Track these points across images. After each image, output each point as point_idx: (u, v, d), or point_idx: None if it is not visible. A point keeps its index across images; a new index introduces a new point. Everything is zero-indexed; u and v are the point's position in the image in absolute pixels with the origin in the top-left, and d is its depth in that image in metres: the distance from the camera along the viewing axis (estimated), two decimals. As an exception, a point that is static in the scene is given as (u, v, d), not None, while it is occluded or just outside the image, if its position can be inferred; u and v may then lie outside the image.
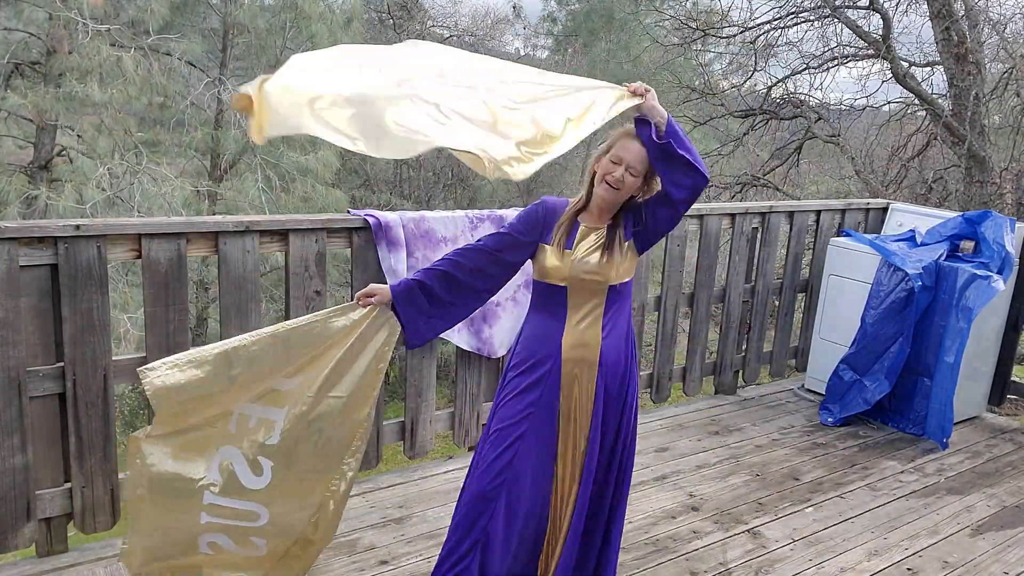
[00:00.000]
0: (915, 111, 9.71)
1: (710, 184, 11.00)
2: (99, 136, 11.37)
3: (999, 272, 4.17)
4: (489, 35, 18.73)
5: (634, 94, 2.24)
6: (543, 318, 2.39)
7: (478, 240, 2.43)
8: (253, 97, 1.75)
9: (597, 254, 2.33)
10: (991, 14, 8.67)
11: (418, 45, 2.23)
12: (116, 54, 10.73)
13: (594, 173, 2.35)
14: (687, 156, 2.22)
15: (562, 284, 2.35)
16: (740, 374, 4.92)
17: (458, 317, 2.45)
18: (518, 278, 3.59)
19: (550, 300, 2.38)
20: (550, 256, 2.34)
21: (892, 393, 4.41)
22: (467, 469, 2.54)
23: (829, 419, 4.45)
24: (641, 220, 2.36)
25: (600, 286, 2.34)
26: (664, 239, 4.29)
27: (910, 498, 3.64)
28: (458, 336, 3.53)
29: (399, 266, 3.29)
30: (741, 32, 10.12)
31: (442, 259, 2.40)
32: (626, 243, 2.36)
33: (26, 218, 10.26)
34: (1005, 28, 8.65)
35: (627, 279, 2.39)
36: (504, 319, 3.61)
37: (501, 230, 2.42)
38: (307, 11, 12.90)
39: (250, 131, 1.79)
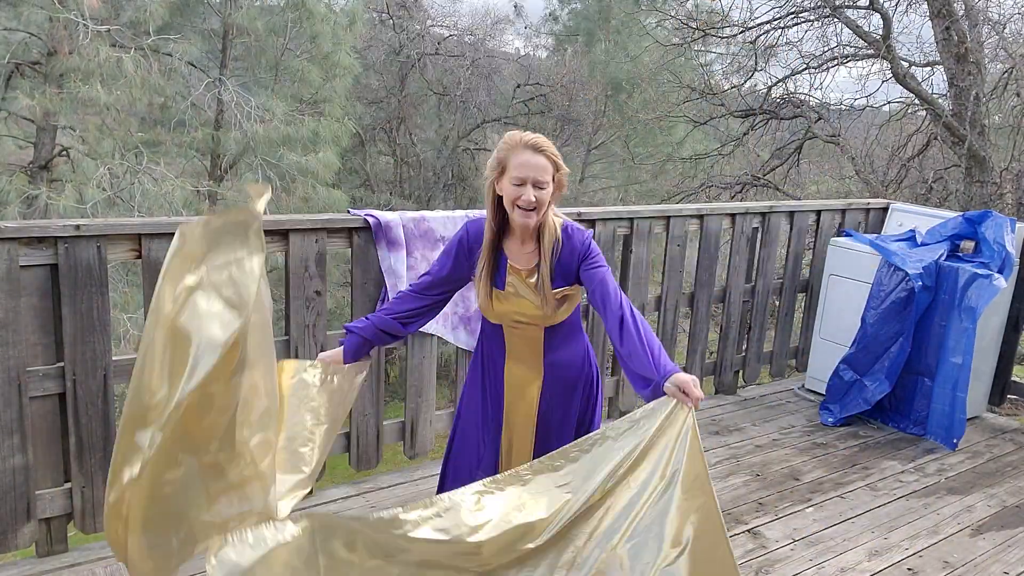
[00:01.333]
0: (915, 111, 9.71)
1: (711, 185, 11.03)
2: (99, 136, 11.37)
3: (999, 272, 4.17)
4: (489, 35, 18.71)
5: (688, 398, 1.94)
6: (489, 341, 2.34)
7: (414, 283, 2.32)
8: None
9: (527, 298, 2.20)
10: (991, 14, 8.67)
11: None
12: (116, 55, 10.73)
13: (496, 196, 2.16)
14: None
15: (496, 322, 2.28)
16: (740, 374, 4.91)
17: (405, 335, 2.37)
18: None
19: (491, 329, 2.32)
20: (481, 294, 2.23)
21: (893, 393, 4.41)
22: None
23: (829, 419, 4.45)
24: (574, 278, 2.20)
25: (535, 327, 2.25)
26: (664, 239, 4.30)
27: (910, 498, 3.64)
28: (454, 335, 3.53)
29: (399, 266, 3.29)
30: (741, 32, 10.12)
31: (382, 311, 2.29)
32: (558, 291, 2.19)
33: (26, 218, 10.27)
34: (1005, 28, 8.65)
35: (566, 318, 2.27)
36: None
37: (428, 274, 2.30)
38: (311, 10, 12.90)
39: None
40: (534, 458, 2.16)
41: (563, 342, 2.30)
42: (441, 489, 2.42)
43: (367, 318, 2.31)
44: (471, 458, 2.39)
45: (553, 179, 2.13)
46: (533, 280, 2.19)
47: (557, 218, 2.22)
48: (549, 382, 2.30)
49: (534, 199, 2.08)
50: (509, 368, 2.32)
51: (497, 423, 2.36)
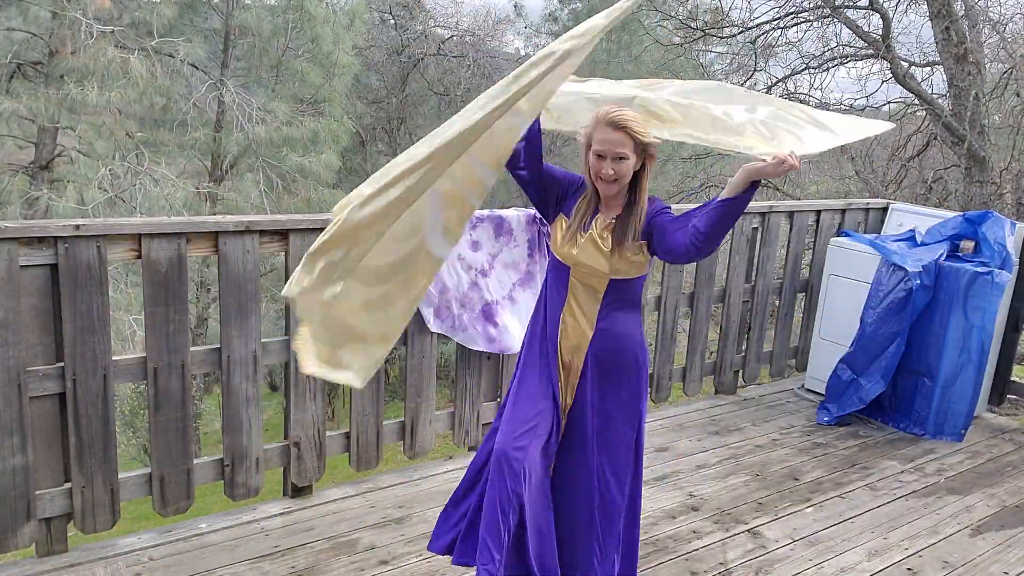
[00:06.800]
0: (915, 111, 9.71)
1: (711, 185, 11.02)
2: (100, 137, 11.38)
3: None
4: (490, 35, 18.71)
5: (778, 163, 2.07)
6: (551, 291, 2.47)
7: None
8: None
9: (606, 243, 2.33)
10: (991, 14, 8.67)
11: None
12: (119, 56, 10.74)
13: (588, 167, 2.33)
14: (724, 232, 2.20)
15: (566, 264, 2.39)
16: (740, 374, 4.91)
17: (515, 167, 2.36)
18: (513, 276, 3.61)
19: (557, 276, 2.44)
20: (564, 232, 2.37)
21: (893, 393, 4.41)
22: (469, 462, 2.60)
23: (825, 418, 4.45)
24: (652, 233, 2.33)
25: (600, 276, 2.35)
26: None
27: (910, 498, 3.64)
28: (463, 335, 3.52)
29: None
30: (741, 32, 10.12)
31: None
32: (639, 242, 2.32)
33: (27, 218, 10.28)
34: (1005, 28, 8.65)
35: (631, 277, 2.36)
36: (497, 317, 3.62)
37: (548, 166, 2.43)
38: (311, 12, 12.91)
39: None
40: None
41: (619, 310, 2.40)
42: (494, 435, 2.48)
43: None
44: (530, 405, 2.42)
45: (637, 150, 2.26)
46: (609, 233, 2.34)
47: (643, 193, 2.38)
48: (598, 341, 2.38)
49: (612, 172, 2.25)
50: (564, 319, 2.41)
51: (553, 365, 2.43)
